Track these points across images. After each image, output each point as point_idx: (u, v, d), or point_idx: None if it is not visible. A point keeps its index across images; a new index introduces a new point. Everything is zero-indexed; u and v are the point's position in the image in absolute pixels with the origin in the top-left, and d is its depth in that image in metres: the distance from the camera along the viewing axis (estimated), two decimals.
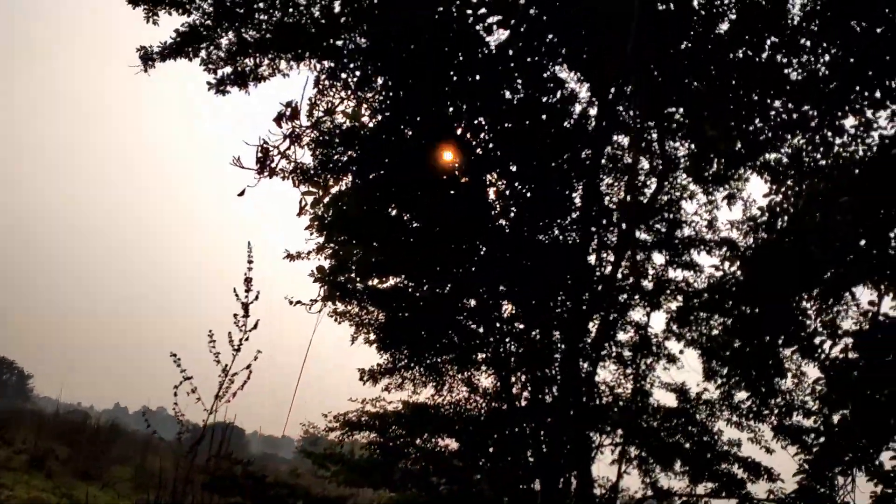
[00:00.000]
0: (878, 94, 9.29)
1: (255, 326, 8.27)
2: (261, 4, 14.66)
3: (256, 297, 8.41)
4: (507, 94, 11.34)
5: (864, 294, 11.22)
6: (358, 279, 13.71)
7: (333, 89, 14.52)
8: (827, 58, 9.51)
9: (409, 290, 14.12)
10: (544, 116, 11.29)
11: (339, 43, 14.61)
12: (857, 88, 9.29)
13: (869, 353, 10.09)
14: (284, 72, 15.75)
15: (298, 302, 14.27)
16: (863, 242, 10.71)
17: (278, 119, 13.72)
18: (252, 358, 8.10)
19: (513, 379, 14.88)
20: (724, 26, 10.69)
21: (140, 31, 14.90)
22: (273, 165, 14.10)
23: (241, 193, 13.00)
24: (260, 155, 13.83)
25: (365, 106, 14.02)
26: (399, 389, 14.97)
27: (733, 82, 10.43)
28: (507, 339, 14.89)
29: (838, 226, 10.75)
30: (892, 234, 10.18)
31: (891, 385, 9.70)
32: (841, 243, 11.00)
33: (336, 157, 14.44)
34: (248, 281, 8.48)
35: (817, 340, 11.36)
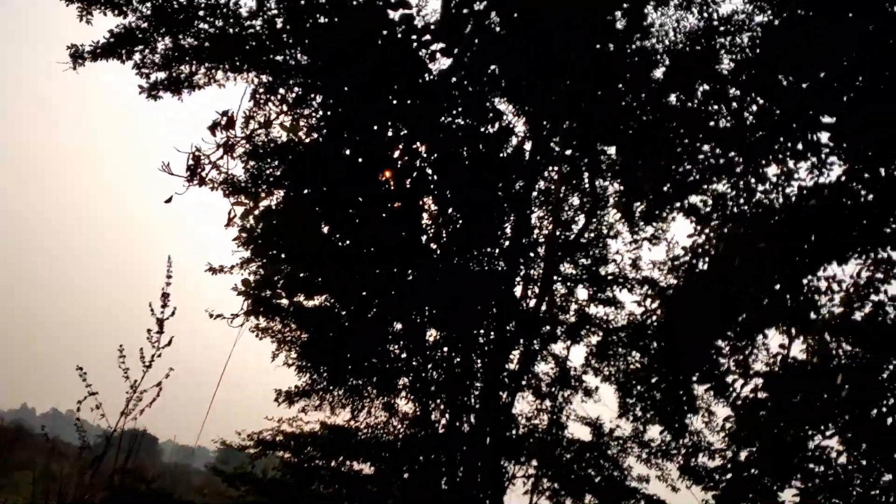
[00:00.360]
0: (800, 146, 9.83)
1: (169, 343, 8.02)
2: (201, 13, 14.42)
3: (173, 313, 8.16)
4: (448, 121, 11.45)
5: (776, 337, 11.77)
6: (283, 296, 13.48)
7: (271, 103, 14.39)
8: (755, 108, 10.05)
9: (336, 310, 13.97)
10: (482, 146, 11.45)
11: (280, 58, 14.49)
12: (782, 139, 9.81)
13: (778, 394, 10.52)
14: (221, 82, 15.50)
15: (219, 315, 13.96)
16: (777, 287, 11.24)
17: (213, 127, 13.42)
18: (164, 375, 7.86)
19: (432, 405, 14.86)
20: (660, 72, 11.17)
21: (74, 29, 14.53)
22: (204, 174, 13.80)
23: (169, 200, 12.63)
24: (191, 163, 13.52)
25: (303, 122, 13.93)
26: (317, 410, 14.74)
27: (665, 125, 10.87)
28: (429, 366, 14.88)
29: (756, 270, 11.24)
30: (805, 281, 10.71)
31: (797, 425, 10.12)
32: (757, 288, 11.50)
33: (269, 170, 14.27)
34: (165, 296, 8.21)
35: (730, 379, 11.79)
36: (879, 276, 10.67)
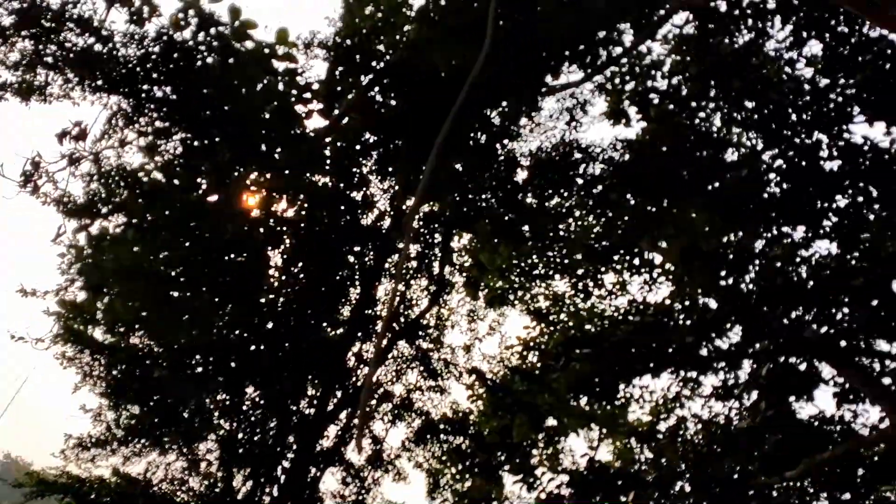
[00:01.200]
0: (636, 261, 10.91)
1: None
2: (71, 24, 13.82)
3: None
4: (314, 178, 11.58)
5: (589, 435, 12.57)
6: (101, 326, 12.58)
7: (129, 129, 13.81)
8: (603, 219, 11.05)
9: (154, 352, 13.18)
10: (344, 208, 11.63)
11: (146, 87, 14.08)
12: (622, 251, 10.83)
13: (582, 490, 11.09)
14: (76, 100, 14.74)
15: (21, 338, 12.79)
16: (591, 395, 12.05)
17: (62, 135, 12.70)
18: None
19: (237, 470, 14.17)
20: (521, 175, 12.04)
21: None
22: (40, 183, 12.90)
23: None
24: (29, 168, 12.63)
25: (158, 156, 13.46)
26: (112, 455, 13.56)
27: (520, 222, 11.65)
28: (242, 427, 14.28)
29: (573, 373, 12.03)
30: (621, 387, 11.57)
31: None
32: (573, 390, 12.27)
33: (112, 195, 13.55)
34: None
35: (539, 472, 12.27)
36: (686, 392, 11.78)
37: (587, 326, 13.16)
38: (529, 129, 13.23)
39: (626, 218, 10.79)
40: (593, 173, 11.48)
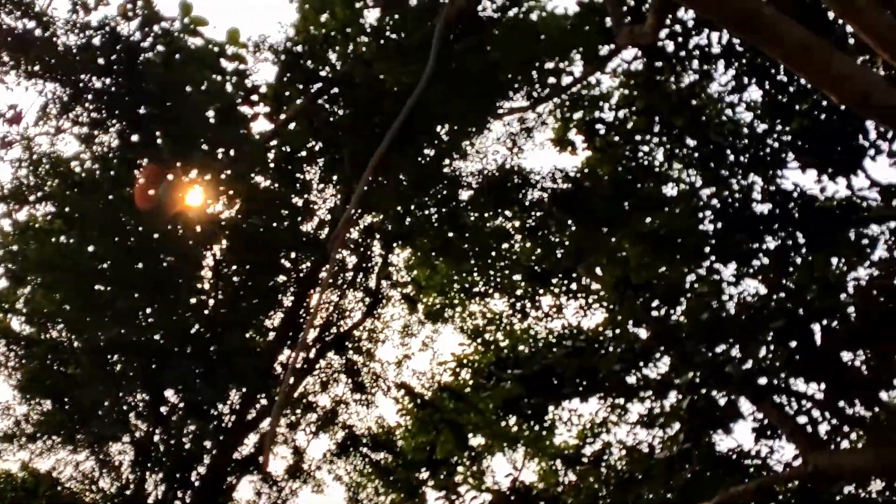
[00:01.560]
0: (573, 286, 11.07)
1: None
2: (10, 6, 13.29)
3: None
4: (257, 181, 11.40)
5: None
6: (20, 315, 12.11)
7: (65, 118, 13.34)
8: (543, 243, 11.21)
9: (78, 347, 12.71)
10: (285, 213, 11.48)
11: (84, 76, 13.62)
12: (560, 275, 10.97)
13: None
14: (9, 84, 14.17)
15: None
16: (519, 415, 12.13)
17: None
18: None
19: (150, 473, 13.77)
20: (466, 194, 12.12)
21: None
22: None
23: None
24: None
25: (92, 146, 13.06)
26: (20, 449, 13.03)
27: (462, 240, 11.71)
28: (159, 430, 13.88)
29: (502, 392, 12.11)
30: (551, 409, 11.64)
31: None
32: (501, 410, 12.34)
33: (41, 184, 13.08)
34: None
35: (462, 489, 12.28)
36: (613, 418, 11.97)
37: (521, 347, 13.27)
38: (476, 150, 13.36)
39: (565, 243, 10.97)
40: (533, 198, 11.63)
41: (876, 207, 11.38)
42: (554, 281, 11.93)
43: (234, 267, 12.27)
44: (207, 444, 13.74)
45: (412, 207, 12.14)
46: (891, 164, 10.96)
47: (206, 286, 12.61)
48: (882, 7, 5.37)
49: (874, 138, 11.04)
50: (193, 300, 12.24)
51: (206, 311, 12.27)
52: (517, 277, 12.30)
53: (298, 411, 14.91)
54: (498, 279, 12.63)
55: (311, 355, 14.27)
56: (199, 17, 10.33)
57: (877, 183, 11.26)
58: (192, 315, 12.75)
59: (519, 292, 12.34)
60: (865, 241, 11.68)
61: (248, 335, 13.61)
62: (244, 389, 13.67)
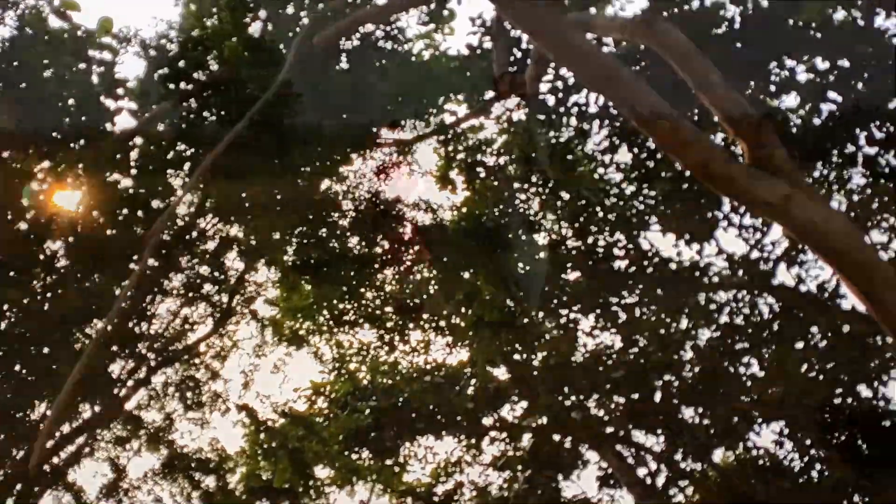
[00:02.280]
0: (442, 323, 10.96)
1: None
2: None
3: None
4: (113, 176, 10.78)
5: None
6: None
7: None
8: (413, 278, 11.17)
9: None
10: (140, 215, 10.92)
11: None
12: (430, 312, 10.87)
13: None
14: None
15: None
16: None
17: None
18: None
19: None
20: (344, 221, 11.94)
21: None
22: None
23: None
24: None
25: None
26: None
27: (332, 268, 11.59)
28: None
29: (351, 423, 11.96)
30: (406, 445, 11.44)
31: None
32: (348, 441, 12.19)
33: None
34: None
35: None
36: (468, 458, 11.96)
37: (380, 379, 13.10)
38: (354, 174, 13.24)
39: (434, 279, 11.03)
40: (403, 233, 11.66)
41: (723, 275, 12.08)
42: (425, 316, 11.94)
43: (72, 267, 11.42)
44: (12, 452, 12.72)
45: (279, 223, 11.84)
46: (736, 235, 11.70)
47: (37, 284, 11.66)
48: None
49: (728, 210, 11.72)
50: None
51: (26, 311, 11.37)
52: (389, 309, 12.23)
53: (128, 427, 14.08)
54: (370, 309, 12.52)
55: (148, 367, 13.58)
56: (70, 2, 9.76)
57: (724, 251, 11.96)
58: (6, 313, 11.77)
59: (389, 324, 12.26)
60: (713, 307, 12.38)
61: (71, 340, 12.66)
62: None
